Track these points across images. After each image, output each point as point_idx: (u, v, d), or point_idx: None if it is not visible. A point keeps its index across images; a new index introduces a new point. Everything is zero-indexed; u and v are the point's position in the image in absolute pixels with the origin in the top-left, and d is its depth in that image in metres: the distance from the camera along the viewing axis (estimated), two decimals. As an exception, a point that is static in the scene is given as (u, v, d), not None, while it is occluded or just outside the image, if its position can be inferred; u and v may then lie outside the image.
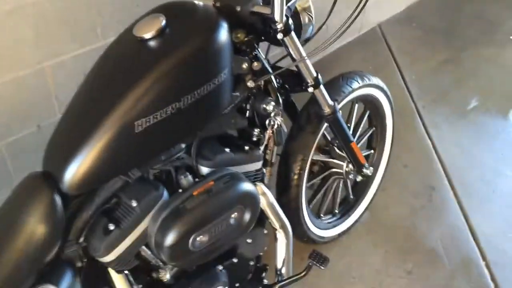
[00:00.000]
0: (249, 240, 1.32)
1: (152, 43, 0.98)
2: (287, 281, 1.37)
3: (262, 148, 1.26)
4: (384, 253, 1.84)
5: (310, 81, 1.31)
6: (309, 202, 1.72)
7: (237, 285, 1.36)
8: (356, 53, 2.90)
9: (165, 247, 1.03)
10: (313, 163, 1.66)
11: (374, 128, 1.85)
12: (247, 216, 1.15)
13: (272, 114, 1.22)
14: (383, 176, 1.94)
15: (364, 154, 1.76)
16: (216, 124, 1.19)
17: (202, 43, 1.00)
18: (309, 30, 1.30)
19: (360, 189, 1.91)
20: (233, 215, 1.11)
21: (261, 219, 1.34)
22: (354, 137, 1.69)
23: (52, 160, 0.98)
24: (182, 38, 0.99)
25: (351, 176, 1.72)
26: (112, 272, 1.10)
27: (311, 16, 1.28)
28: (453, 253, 1.85)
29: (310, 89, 1.32)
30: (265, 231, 1.36)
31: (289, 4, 1.17)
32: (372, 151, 1.90)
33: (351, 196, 1.87)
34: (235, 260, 1.32)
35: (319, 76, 1.32)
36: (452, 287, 1.73)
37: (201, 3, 1.08)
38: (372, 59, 2.86)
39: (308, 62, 1.27)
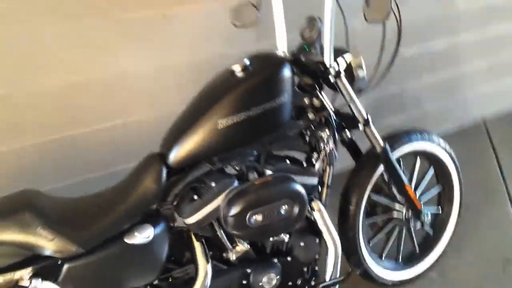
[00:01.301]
0: (302, 244, 1.63)
1: (237, 74, 1.47)
2: (329, 282, 1.62)
3: (317, 166, 1.61)
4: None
5: (361, 120, 1.67)
6: (370, 239, 1.95)
7: (289, 283, 1.64)
8: (455, 140, 3.09)
9: (229, 217, 1.42)
10: (375, 204, 1.93)
11: (441, 187, 2.06)
12: (295, 211, 1.48)
13: (326, 141, 1.59)
14: (452, 236, 2.08)
15: (433, 212, 2.00)
16: (282, 143, 1.60)
17: (268, 75, 1.47)
18: (363, 83, 1.67)
19: (427, 245, 2.07)
20: (283, 206, 1.46)
21: (315, 230, 1.65)
22: (416, 189, 1.94)
23: (165, 144, 1.48)
24: (256, 71, 1.47)
25: (411, 224, 1.93)
26: (193, 239, 1.51)
27: (364, 72, 1.66)
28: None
29: (360, 127, 1.67)
30: (317, 241, 1.65)
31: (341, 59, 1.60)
32: (441, 210, 2.08)
33: (416, 249, 2.04)
34: (289, 259, 1.62)
35: (369, 117, 1.67)
36: None
37: (278, 54, 1.57)
38: (469, 143, 3.03)
39: (359, 104, 1.64)
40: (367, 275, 1.90)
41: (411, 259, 2.05)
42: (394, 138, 1.84)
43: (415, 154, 1.95)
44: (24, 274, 1.26)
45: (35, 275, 1.26)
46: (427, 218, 1.89)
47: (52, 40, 1.80)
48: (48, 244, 1.25)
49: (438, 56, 2.96)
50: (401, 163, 1.89)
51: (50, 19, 1.77)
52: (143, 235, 1.37)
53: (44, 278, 1.28)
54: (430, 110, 3.11)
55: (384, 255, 1.99)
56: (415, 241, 2.03)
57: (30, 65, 1.78)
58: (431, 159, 2.00)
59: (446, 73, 3.06)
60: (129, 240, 1.36)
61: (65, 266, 1.29)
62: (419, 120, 3.07)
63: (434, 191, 2.06)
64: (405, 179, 1.80)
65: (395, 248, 2.02)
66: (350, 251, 1.83)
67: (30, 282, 1.25)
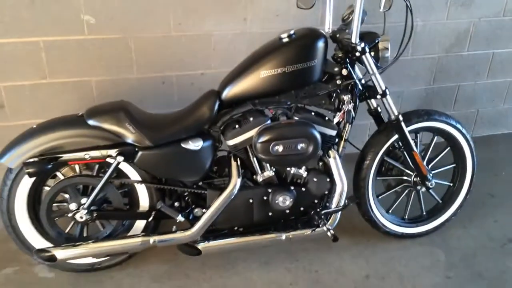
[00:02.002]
0: (315, 180, 2.07)
1: (283, 40, 1.95)
2: (330, 210, 2.06)
3: (335, 121, 2.03)
4: (436, 261, 2.26)
5: (379, 91, 2.06)
6: (381, 194, 2.34)
7: (301, 208, 2.10)
8: (503, 141, 3.28)
9: (257, 144, 1.91)
10: (390, 167, 2.30)
11: (455, 165, 2.37)
12: (309, 149, 1.93)
13: (347, 103, 2.01)
14: (458, 209, 2.39)
15: (443, 183, 2.33)
16: (312, 100, 2.04)
17: (305, 43, 1.92)
18: (386, 62, 2.05)
19: (435, 211, 2.41)
20: (300, 143, 1.92)
21: (328, 173, 2.09)
22: (430, 162, 2.28)
23: (221, 85, 2.01)
24: (296, 39, 1.94)
25: (419, 188, 2.28)
26: (232, 158, 2.04)
27: (388, 53, 2.04)
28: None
29: (378, 96, 2.06)
30: (328, 180, 2.08)
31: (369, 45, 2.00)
32: (452, 184, 2.39)
33: (423, 212, 2.38)
34: (303, 189, 2.08)
35: (386, 90, 2.05)
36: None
37: (318, 29, 2.00)
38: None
39: (379, 78, 2.03)
40: (372, 221, 2.30)
41: (417, 220, 2.40)
42: (413, 113, 2.20)
43: (433, 132, 2.29)
44: (113, 152, 1.87)
45: (119, 154, 1.87)
46: (431, 183, 2.23)
47: (158, 2, 2.41)
48: (131, 135, 1.86)
49: (497, 61, 3.17)
50: (418, 136, 2.25)
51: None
52: (194, 144, 1.93)
53: (125, 159, 1.88)
54: (483, 111, 3.32)
55: (391, 210, 2.37)
56: (422, 204, 2.37)
57: (142, 18, 2.41)
58: (448, 139, 2.31)
59: (504, 79, 3.25)
60: (184, 145, 1.92)
61: (139, 153, 1.89)
62: (469, 118, 3.30)
63: (448, 166, 2.37)
64: (414, 146, 2.16)
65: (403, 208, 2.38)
66: (359, 199, 2.24)
67: (116, 158, 1.86)
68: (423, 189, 2.27)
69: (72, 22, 2.31)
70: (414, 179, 2.26)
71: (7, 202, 1.92)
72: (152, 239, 1.96)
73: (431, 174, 2.24)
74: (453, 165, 2.39)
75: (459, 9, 2.91)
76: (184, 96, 2.57)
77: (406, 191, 2.34)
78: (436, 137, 2.32)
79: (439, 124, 2.23)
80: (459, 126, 2.26)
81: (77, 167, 2.00)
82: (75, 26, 2.32)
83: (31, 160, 1.82)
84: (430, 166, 2.29)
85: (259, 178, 2.07)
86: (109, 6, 2.34)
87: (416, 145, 2.19)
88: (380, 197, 2.33)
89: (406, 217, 2.39)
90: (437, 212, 2.41)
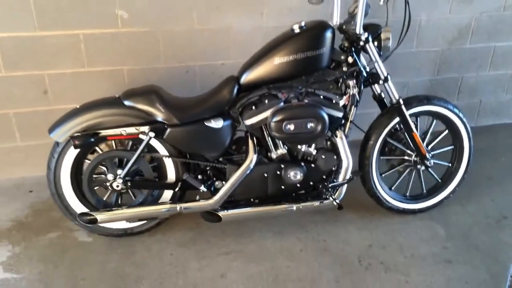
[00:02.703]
0: (323, 157, 2.31)
1: (295, 30, 2.19)
2: (338, 183, 2.30)
3: (341, 103, 2.27)
4: (434, 233, 2.47)
5: (382, 77, 2.29)
6: (384, 172, 2.57)
7: (310, 182, 2.35)
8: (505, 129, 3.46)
9: (271, 123, 2.16)
10: (392, 148, 2.52)
11: (453, 147, 2.58)
12: (318, 128, 2.17)
13: (352, 87, 2.24)
14: (456, 187, 2.60)
15: (441, 163, 2.55)
16: (321, 85, 2.28)
17: (314, 33, 2.16)
18: (388, 51, 2.28)
19: (434, 190, 2.63)
20: (309, 123, 2.16)
21: (335, 150, 2.33)
22: (428, 144, 2.51)
23: (240, 71, 2.26)
24: (307, 30, 2.18)
25: (419, 167, 2.50)
26: (249, 137, 2.29)
27: (389, 43, 2.26)
28: (490, 264, 2.32)
29: (381, 82, 2.30)
30: (335, 157, 2.32)
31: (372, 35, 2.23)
32: (450, 164, 2.61)
33: (424, 190, 2.60)
34: (312, 165, 2.32)
35: (388, 76, 2.29)
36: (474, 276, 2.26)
37: (326, 21, 2.24)
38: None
39: (381, 65, 2.27)
40: (376, 197, 2.53)
41: (417, 197, 2.62)
42: (414, 98, 2.43)
43: (432, 116, 2.50)
44: (145, 128, 2.14)
45: (151, 131, 2.14)
46: (430, 162, 2.45)
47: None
48: (161, 114, 2.12)
49: (499, 54, 3.36)
50: (418, 119, 2.47)
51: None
52: (216, 123, 2.19)
53: (156, 135, 2.15)
54: (485, 101, 3.51)
55: (393, 188, 2.59)
56: (423, 182, 2.59)
57: (169, 13, 2.68)
58: (446, 122, 2.53)
59: (505, 71, 3.44)
60: (207, 123, 2.18)
61: (168, 130, 2.15)
62: (473, 108, 3.50)
63: (447, 148, 2.59)
64: (414, 128, 2.38)
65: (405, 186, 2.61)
66: (363, 176, 2.47)
67: (148, 134, 2.13)
68: (423, 168, 2.50)
69: (107, 16, 2.60)
70: (415, 159, 2.49)
71: (54, 172, 2.20)
72: (178, 206, 2.22)
73: (430, 154, 2.46)
74: (451, 147, 2.60)
75: (461, 4, 3.12)
76: (205, 84, 2.82)
77: (408, 170, 2.56)
78: (435, 121, 2.54)
79: (438, 108, 2.45)
80: (456, 110, 2.48)
81: (113, 143, 2.28)
82: (110, 20, 2.61)
83: (77, 134, 2.10)
84: (429, 148, 2.51)
85: (273, 155, 2.31)
86: (140, 2, 2.62)
87: (416, 128, 2.41)
88: (383, 175, 2.56)
89: (407, 194, 2.61)
90: (436, 190, 2.63)
